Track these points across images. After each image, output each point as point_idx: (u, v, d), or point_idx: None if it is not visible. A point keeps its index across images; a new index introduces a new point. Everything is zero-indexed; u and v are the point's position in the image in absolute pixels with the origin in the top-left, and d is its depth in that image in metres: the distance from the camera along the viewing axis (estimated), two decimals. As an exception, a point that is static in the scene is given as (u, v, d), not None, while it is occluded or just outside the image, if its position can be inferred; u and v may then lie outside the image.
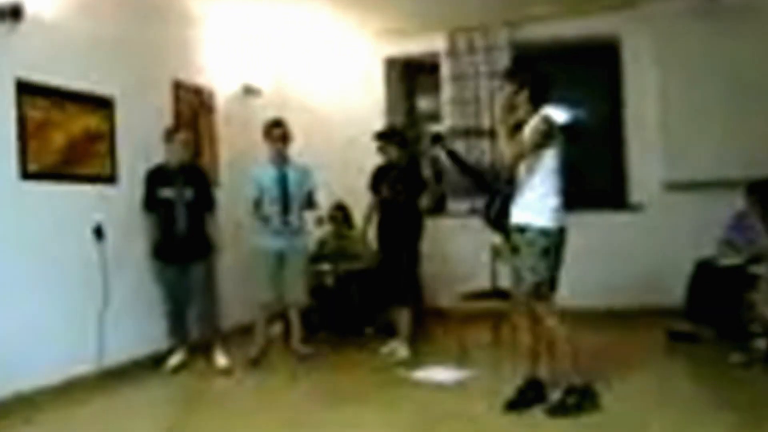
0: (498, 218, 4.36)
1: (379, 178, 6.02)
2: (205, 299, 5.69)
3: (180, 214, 5.54)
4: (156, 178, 5.60)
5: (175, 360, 5.65)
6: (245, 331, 6.28)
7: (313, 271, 6.77)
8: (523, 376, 4.42)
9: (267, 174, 5.77)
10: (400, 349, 5.87)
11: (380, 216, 5.99)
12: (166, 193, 5.54)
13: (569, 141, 4.29)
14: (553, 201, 4.15)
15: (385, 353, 5.94)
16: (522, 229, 4.19)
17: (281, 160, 5.78)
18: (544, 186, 4.14)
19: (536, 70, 4.35)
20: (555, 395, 4.31)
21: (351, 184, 7.18)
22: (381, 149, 6.01)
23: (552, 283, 4.21)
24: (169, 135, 5.70)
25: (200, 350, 5.84)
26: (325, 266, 6.88)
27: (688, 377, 5.37)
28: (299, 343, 5.92)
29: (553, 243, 4.16)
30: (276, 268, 5.79)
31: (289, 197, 5.72)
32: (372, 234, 6.10)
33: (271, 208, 5.71)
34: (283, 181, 5.72)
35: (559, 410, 4.18)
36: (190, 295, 5.66)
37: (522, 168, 4.19)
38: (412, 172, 6.03)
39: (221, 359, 5.67)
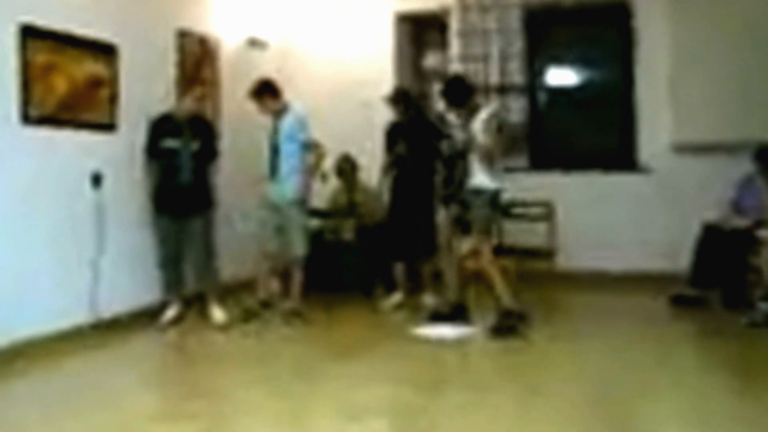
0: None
1: (393, 135, 6.16)
2: (202, 253, 5.63)
3: (185, 165, 5.49)
4: (161, 127, 5.54)
5: (170, 314, 5.58)
6: (243, 285, 6.27)
7: (328, 227, 6.84)
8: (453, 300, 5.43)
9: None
10: (427, 297, 6.09)
11: (396, 172, 6.11)
12: (171, 143, 5.49)
13: None
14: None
15: (387, 307, 6.09)
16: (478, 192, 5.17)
17: (273, 116, 5.74)
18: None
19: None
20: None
21: (358, 137, 7.13)
22: (396, 112, 6.21)
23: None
24: (186, 87, 5.72)
25: (196, 304, 5.79)
26: (340, 222, 6.85)
27: (688, 337, 5.39)
28: (292, 297, 5.83)
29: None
30: (272, 220, 5.77)
31: (279, 149, 5.67)
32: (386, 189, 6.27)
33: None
34: (274, 134, 5.68)
35: (498, 331, 4.94)
36: (187, 247, 5.61)
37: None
38: (420, 128, 6.11)
39: (218, 314, 5.63)
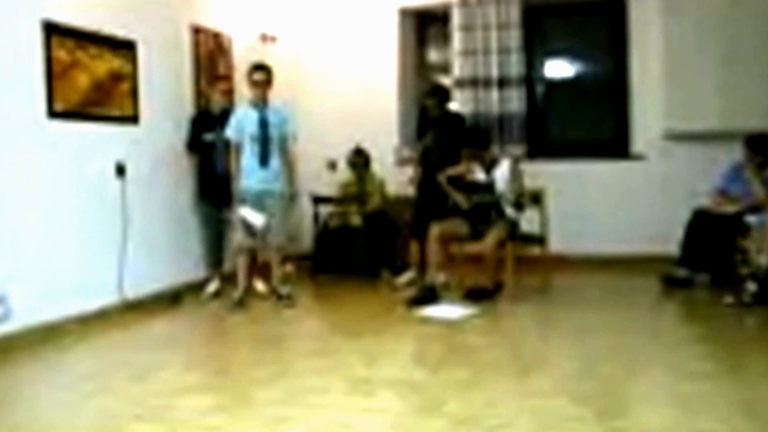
0: None
1: (422, 127, 6.61)
2: None
3: (219, 156, 5.89)
4: (200, 121, 6.01)
5: (211, 288, 6.15)
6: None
7: (337, 213, 7.16)
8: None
9: (248, 117, 5.71)
10: (403, 276, 6.68)
11: (424, 162, 6.52)
12: (208, 137, 5.94)
13: None
14: None
15: (400, 283, 6.57)
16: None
17: (262, 103, 5.74)
18: None
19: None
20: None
21: (365, 129, 7.41)
22: (430, 105, 6.54)
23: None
24: (213, 82, 6.22)
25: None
26: (351, 208, 7.15)
27: (677, 315, 5.67)
28: (279, 283, 5.99)
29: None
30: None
31: (269, 140, 5.69)
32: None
33: (252, 150, 5.68)
34: (263, 124, 5.68)
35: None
36: (226, 233, 6.14)
37: None
38: (448, 123, 6.47)
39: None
